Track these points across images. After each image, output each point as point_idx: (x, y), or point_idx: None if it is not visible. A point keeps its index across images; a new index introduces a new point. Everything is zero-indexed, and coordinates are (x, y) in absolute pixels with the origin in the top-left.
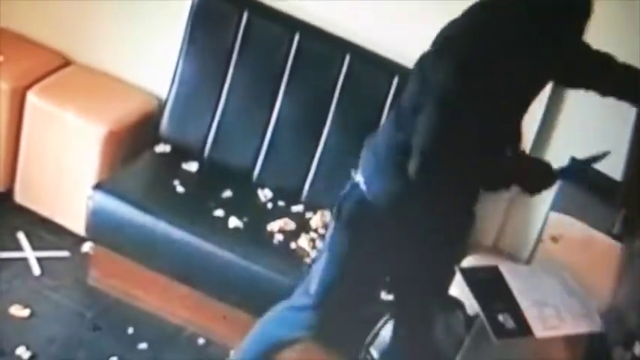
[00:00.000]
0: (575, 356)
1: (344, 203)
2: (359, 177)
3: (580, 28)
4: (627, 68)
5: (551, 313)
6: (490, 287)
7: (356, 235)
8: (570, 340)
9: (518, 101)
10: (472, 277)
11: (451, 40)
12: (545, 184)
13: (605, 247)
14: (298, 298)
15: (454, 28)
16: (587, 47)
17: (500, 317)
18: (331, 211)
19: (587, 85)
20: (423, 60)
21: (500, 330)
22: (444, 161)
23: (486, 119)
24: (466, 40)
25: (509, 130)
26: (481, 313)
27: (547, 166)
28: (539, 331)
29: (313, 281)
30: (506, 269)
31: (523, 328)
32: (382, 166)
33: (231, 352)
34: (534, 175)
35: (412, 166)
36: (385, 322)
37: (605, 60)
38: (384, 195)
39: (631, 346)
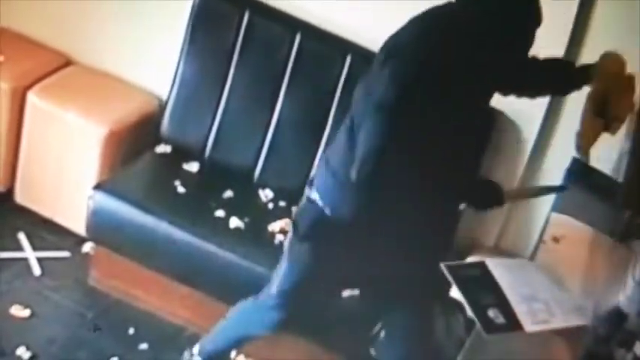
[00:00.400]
0: (575, 357)
1: (300, 219)
2: (314, 194)
3: (531, 38)
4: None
5: (540, 308)
6: (478, 283)
7: (315, 248)
8: (571, 341)
9: (467, 109)
10: (459, 273)
11: (395, 49)
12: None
13: (606, 247)
14: (263, 298)
15: (400, 37)
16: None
17: (490, 313)
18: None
19: (521, 93)
20: (369, 73)
21: (490, 325)
22: (388, 167)
23: (434, 127)
24: (410, 49)
25: (462, 137)
26: (470, 309)
27: (499, 190)
28: (529, 326)
29: (275, 283)
30: (493, 264)
31: (513, 323)
32: (344, 186)
33: (195, 347)
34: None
35: (352, 173)
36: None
37: (532, 65)
38: (351, 212)
39: (632, 346)
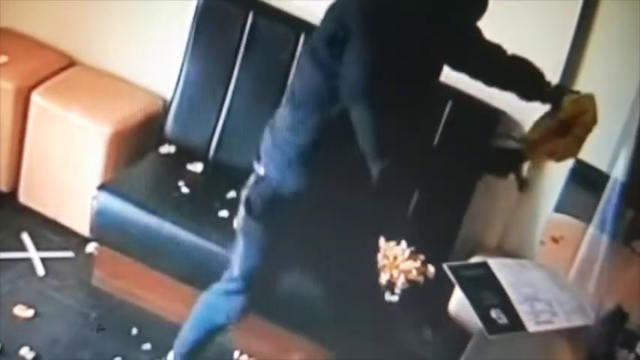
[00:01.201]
0: (577, 358)
1: (252, 196)
2: (262, 170)
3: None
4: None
5: (543, 308)
6: (480, 283)
7: (269, 225)
8: (573, 341)
9: (424, 76)
10: (461, 273)
11: (347, 32)
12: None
13: (607, 247)
14: (226, 284)
15: (347, 11)
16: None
17: (493, 313)
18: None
19: (470, 73)
20: (317, 47)
21: (493, 326)
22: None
23: (403, 100)
24: (369, 29)
25: (424, 108)
26: (473, 310)
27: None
28: (532, 326)
29: (235, 266)
30: (496, 264)
31: (516, 323)
32: (290, 158)
33: (169, 354)
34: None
35: (376, 172)
36: None
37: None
38: (299, 184)
39: (634, 346)
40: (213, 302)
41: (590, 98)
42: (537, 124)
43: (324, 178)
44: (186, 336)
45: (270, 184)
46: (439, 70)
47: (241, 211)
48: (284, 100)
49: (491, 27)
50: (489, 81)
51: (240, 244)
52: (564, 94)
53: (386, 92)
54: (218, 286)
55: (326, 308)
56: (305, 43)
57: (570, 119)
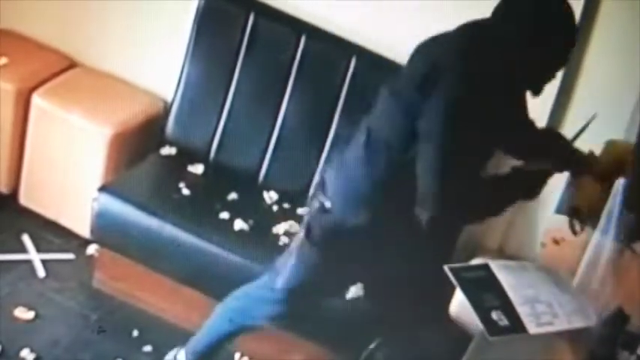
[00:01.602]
0: (579, 359)
1: (313, 224)
2: (328, 203)
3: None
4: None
5: (544, 310)
6: (481, 285)
7: (326, 253)
8: (574, 343)
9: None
10: (462, 275)
11: (441, 73)
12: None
13: (608, 249)
14: (265, 291)
15: (441, 54)
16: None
17: (494, 315)
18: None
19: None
20: (404, 87)
21: (494, 328)
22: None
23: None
24: (457, 73)
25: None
26: (474, 312)
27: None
28: (533, 328)
29: (280, 278)
30: (497, 266)
31: (517, 325)
32: (359, 198)
33: (180, 353)
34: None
35: (420, 213)
36: (377, 346)
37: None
38: (365, 221)
39: (635, 348)
40: (245, 306)
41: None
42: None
43: (388, 214)
44: (205, 335)
45: (333, 217)
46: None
47: (300, 233)
48: (358, 136)
49: None
50: (521, 157)
51: (291, 260)
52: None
53: (464, 141)
54: (251, 291)
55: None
56: (384, 82)
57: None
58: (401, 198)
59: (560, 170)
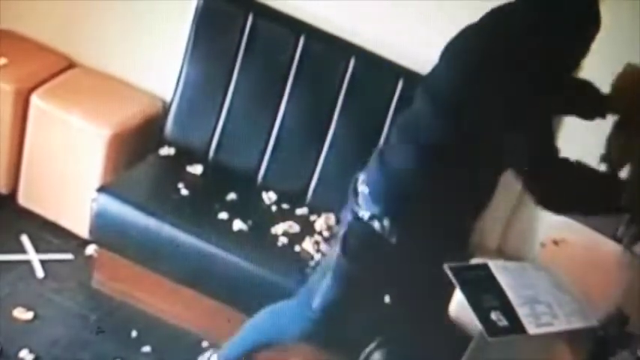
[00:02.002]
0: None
1: (350, 237)
2: (364, 212)
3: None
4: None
5: (543, 310)
6: (481, 285)
7: (364, 264)
8: (573, 343)
9: None
10: (462, 275)
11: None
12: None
13: (608, 250)
14: (300, 309)
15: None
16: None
17: (493, 315)
18: (332, 232)
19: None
20: (444, 89)
21: (493, 328)
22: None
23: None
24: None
25: None
26: (473, 312)
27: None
28: (533, 329)
29: (316, 296)
30: (496, 266)
31: (516, 325)
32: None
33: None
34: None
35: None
36: (376, 346)
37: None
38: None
39: (634, 349)
40: (280, 322)
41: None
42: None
43: (428, 230)
44: (238, 344)
45: (370, 229)
46: None
47: (336, 249)
48: (399, 139)
49: None
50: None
51: (327, 278)
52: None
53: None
54: (289, 307)
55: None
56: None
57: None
58: (440, 214)
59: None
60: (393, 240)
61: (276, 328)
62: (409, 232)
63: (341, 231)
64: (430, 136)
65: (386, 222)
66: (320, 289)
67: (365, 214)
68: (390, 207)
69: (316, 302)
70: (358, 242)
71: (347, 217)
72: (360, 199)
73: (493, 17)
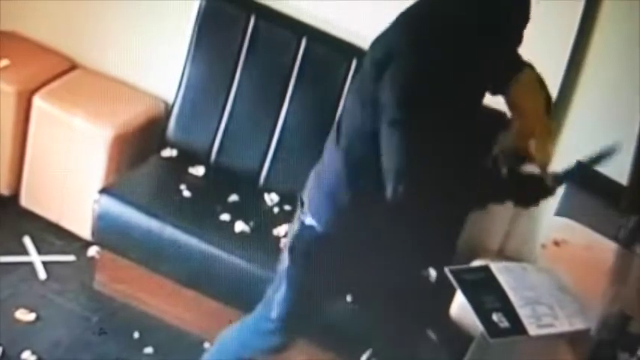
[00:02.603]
0: None
1: (297, 245)
2: (309, 219)
3: (518, 33)
4: None
5: (544, 311)
6: (482, 286)
7: (314, 271)
8: (575, 345)
9: (467, 108)
10: (463, 277)
11: (390, 54)
12: (538, 198)
13: (609, 252)
14: (260, 322)
15: (390, 39)
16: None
17: (495, 317)
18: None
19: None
20: (362, 82)
21: (494, 329)
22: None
23: (441, 128)
24: (408, 52)
25: (468, 140)
26: (474, 313)
27: (540, 180)
28: (534, 330)
29: (274, 307)
30: (497, 268)
31: (517, 327)
32: (341, 208)
33: None
34: (527, 189)
35: (388, 192)
36: (369, 357)
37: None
38: (349, 231)
39: (635, 351)
40: (245, 338)
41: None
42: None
43: (372, 219)
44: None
45: (316, 232)
46: (483, 96)
47: (286, 259)
48: (328, 143)
49: None
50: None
51: (282, 288)
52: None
53: (422, 116)
54: (250, 323)
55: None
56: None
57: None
58: (384, 202)
59: None
60: (339, 242)
61: (241, 344)
62: (345, 234)
63: (288, 241)
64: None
65: (325, 224)
66: (276, 299)
67: (308, 220)
68: (325, 210)
69: (274, 313)
70: (306, 247)
71: (294, 226)
72: (305, 207)
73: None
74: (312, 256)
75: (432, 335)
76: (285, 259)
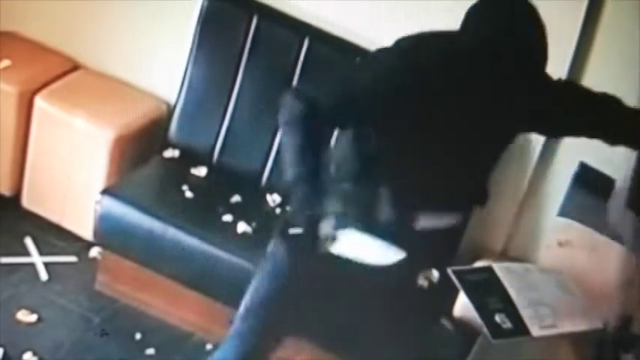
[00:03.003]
0: None
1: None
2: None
3: (539, 74)
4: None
5: (547, 312)
6: (485, 287)
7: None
8: (577, 346)
9: (469, 144)
10: (465, 277)
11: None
12: None
13: (612, 252)
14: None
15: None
16: (564, 92)
17: (497, 318)
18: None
19: (581, 134)
20: None
21: (497, 330)
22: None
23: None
24: (398, 54)
25: (466, 174)
26: (477, 314)
27: None
28: (537, 331)
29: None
30: (500, 269)
31: (520, 328)
32: None
33: None
34: None
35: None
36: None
37: (601, 103)
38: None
39: (639, 350)
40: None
41: None
42: None
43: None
44: None
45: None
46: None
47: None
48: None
49: None
50: (610, 140)
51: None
52: None
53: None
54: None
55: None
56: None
57: None
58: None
59: None
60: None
61: None
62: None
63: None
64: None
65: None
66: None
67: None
68: None
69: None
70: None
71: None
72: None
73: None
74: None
75: (447, 325)
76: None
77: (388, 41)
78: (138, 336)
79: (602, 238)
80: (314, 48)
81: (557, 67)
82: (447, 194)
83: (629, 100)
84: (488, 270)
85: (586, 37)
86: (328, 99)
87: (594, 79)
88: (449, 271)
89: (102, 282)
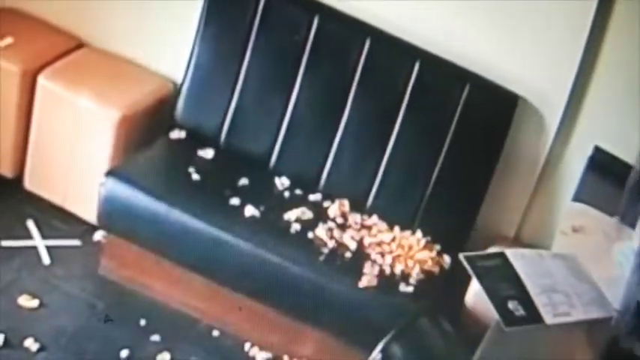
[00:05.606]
0: (596, 350)
1: None
2: None
3: None
4: None
5: (561, 300)
6: (497, 274)
7: None
8: (591, 333)
9: None
10: (478, 264)
11: None
12: None
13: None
14: None
15: None
16: None
17: (510, 305)
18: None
19: None
20: None
21: (510, 318)
22: None
23: None
24: None
25: None
26: (489, 301)
27: None
28: (550, 318)
29: None
30: (513, 255)
31: (533, 315)
32: None
33: None
34: None
35: None
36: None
37: None
38: None
39: None
40: None
41: None
42: None
43: None
44: None
45: None
46: None
47: None
48: None
49: (504, 29)
50: None
51: None
52: None
53: None
54: None
55: None
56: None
57: None
58: None
59: None
60: None
61: None
62: None
63: None
64: None
65: None
66: None
67: None
68: None
69: None
70: None
71: None
72: None
73: None
74: None
75: (445, 324)
76: None
77: (398, 19)
78: (142, 322)
79: (617, 224)
80: (324, 26)
81: (568, 63)
82: None
83: (636, 104)
84: (501, 256)
85: (596, 34)
86: None
87: (606, 75)
88: (461, 256)
89: (106, 266)
